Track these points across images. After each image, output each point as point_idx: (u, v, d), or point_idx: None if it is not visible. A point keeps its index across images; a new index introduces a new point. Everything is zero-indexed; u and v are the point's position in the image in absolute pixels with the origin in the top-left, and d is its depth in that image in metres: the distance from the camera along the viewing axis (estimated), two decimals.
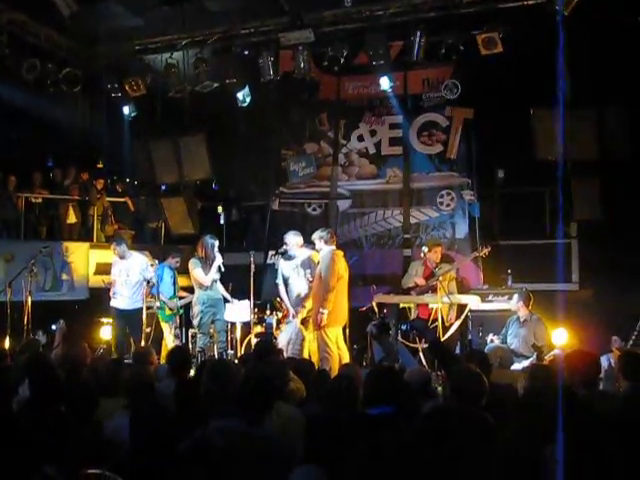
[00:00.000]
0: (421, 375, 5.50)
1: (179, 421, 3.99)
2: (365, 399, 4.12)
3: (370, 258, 12.29)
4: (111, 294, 9.80)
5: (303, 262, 8.93)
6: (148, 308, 9.71)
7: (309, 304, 8.86)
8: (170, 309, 10.37)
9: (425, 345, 9.13)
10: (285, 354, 8.37)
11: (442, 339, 8.75)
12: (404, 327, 9.24)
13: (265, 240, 12.69)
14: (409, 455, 2.62)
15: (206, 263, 9.48)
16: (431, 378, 5.85)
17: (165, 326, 10.33)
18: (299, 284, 8.96)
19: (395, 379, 4.30)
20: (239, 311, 10.29)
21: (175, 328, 10.46)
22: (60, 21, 9.94)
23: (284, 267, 9.08)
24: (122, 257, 9.78)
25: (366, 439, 3.28)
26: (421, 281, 9.73)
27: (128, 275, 9.71)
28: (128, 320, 9.61)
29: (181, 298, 10.62)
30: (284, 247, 9.05)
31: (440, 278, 9.35)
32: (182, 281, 10.75)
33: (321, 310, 8.28)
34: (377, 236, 12.69)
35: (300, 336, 8.81)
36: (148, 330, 9.61)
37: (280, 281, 9.10)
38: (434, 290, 9.35)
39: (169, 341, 10.18)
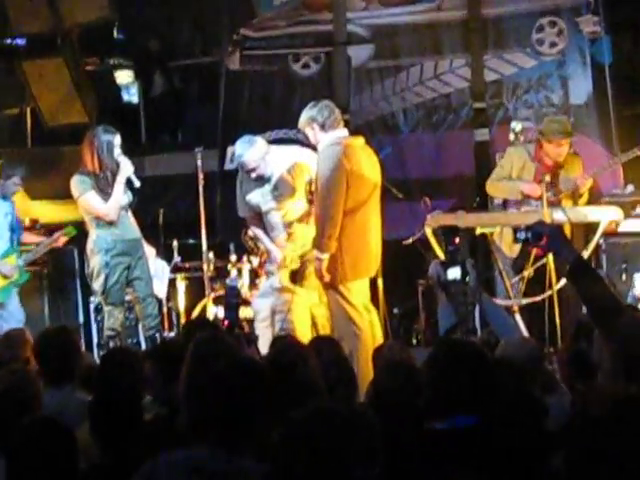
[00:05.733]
0: (527, 350, 4.09)
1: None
2: (427, 405, 3.21)
3: (415, 149, 9.14)
4: None
5: (281, 179, 7.05)
6: None
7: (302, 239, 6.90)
8: (4, 276, 7.85)
9: (523, 302, 6.81)
10: (273, 330, 6.90)
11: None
12: (521, 236, 6.27)
13: (219, 129, 9.37)
14: None
15: (102, 179, 7.02)
16: (542, 356, 4.59)
17: None
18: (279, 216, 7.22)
19: (481, 366, 3.03)
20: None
21: None
22: None
23: (253, 197, 7.25)
24: None
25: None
26: (535, 191, 6.91)
27: None
28: None
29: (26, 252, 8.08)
30: (245, 172, 6.95)
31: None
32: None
33: (317, 255, 6.34)
34: (425, 108, 9.19)
35: (287, 298, 6.98)
36: None
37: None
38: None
39: None
